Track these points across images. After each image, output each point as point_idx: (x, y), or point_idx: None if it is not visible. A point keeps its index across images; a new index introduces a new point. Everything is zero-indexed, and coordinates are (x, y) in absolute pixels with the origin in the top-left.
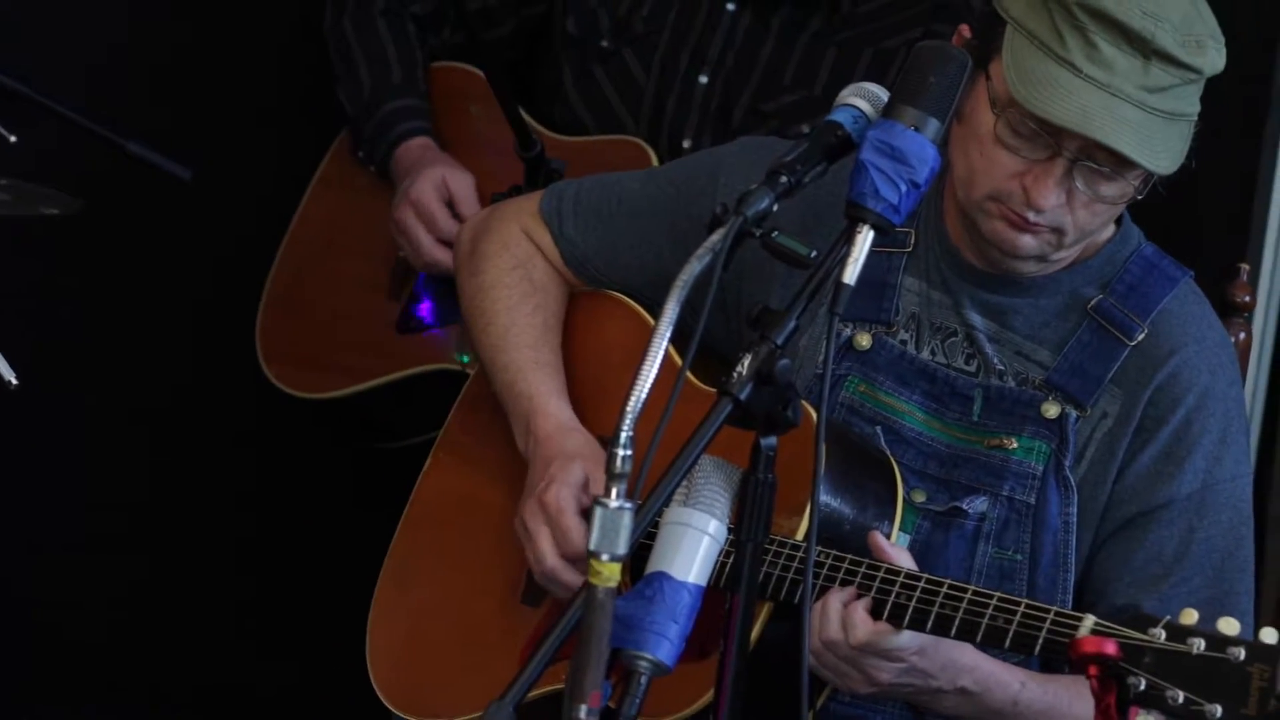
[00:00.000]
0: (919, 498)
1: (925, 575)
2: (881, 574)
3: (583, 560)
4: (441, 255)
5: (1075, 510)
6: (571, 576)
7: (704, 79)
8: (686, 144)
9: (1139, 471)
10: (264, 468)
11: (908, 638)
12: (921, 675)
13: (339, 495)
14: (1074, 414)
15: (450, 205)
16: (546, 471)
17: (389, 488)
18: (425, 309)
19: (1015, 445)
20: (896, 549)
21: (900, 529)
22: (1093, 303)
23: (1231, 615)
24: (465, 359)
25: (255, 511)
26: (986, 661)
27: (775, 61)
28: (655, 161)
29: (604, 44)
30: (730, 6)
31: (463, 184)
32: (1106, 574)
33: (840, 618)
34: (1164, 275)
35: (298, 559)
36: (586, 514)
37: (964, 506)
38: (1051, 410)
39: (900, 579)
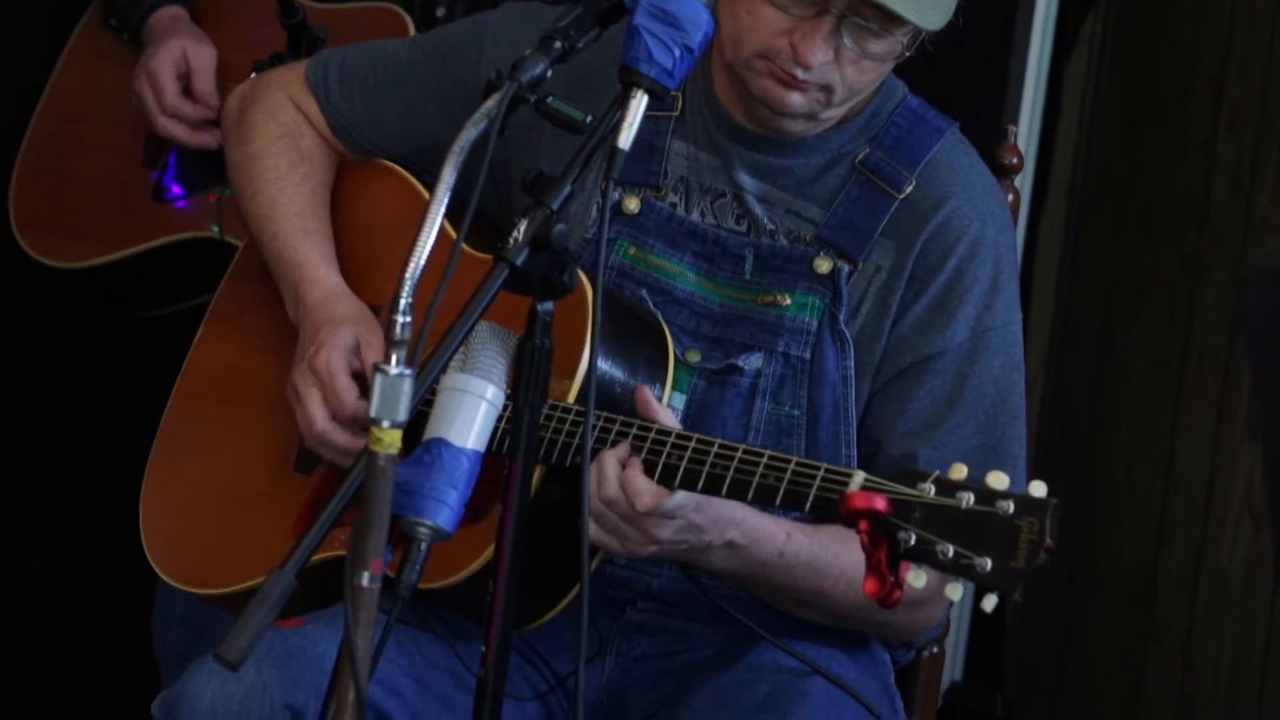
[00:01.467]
0: (693, 357)
1: (696, 435)
2: (653, 434)
3: (354, 422)
4: (174, 128)
5: (852, 364)
6: (343, 438)
7: None
8: (440, 12)
9: (912, 322)
10: (22, 338)
11: (683, 496)
12: (696, 531)
13: (104, 364)
14: (846, 268)
15: (188, 77)
16: (316, 336)
17: (152, 355)
18: (180, 176)
19: (789, 301)
20: (662, 408)
21: (676, 389)
22: (860, 157)
23: (1005, 461)
24: (217, 229)
25: (18, 383)
26: (754, 515)
27: None
28: (411, 27)
29: None
30: None
31: (202, 57)
32: (882, 424)
33: (618, 478)
34: (930, 126)
35: (64, 432)
36: (357, 376)
37: (739, 363)
38: (824, 265)
39: (671, 439)
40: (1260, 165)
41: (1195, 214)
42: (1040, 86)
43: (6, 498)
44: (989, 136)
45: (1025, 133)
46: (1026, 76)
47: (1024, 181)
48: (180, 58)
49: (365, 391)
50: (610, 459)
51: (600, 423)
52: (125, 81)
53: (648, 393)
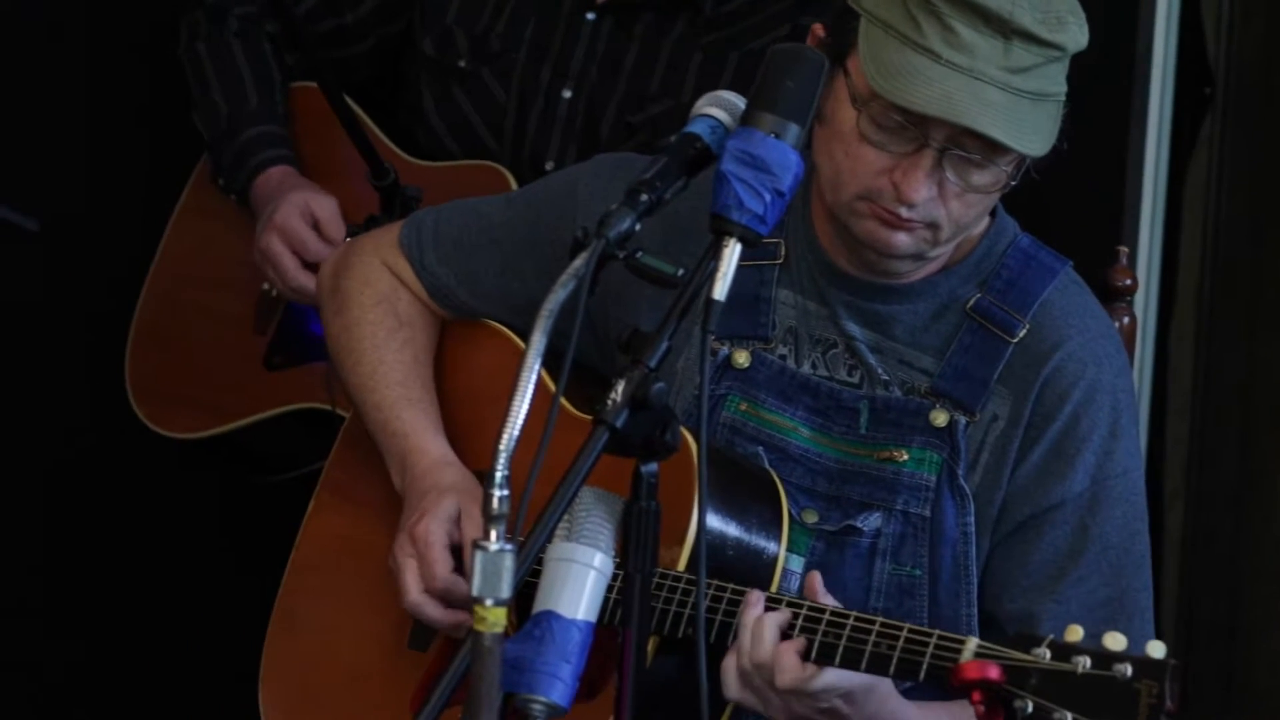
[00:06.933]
0: (810, 518)
1: (808, 602)
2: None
3: (447, 595)
4: (307, 281)
5: (973, 519)
6: (435, 611)
7: (568, 93)
8: (549, 165)
9: (1030, 471)
10: (143, 508)
11: (833, 678)
12: (835, 715)
13: (222, 532)
14: (963, 420)
15: (316, 229)
16: (420, 504)
17: (269, 521)
18: (293, 344)
19: (906, 457)
20: (823, 591)
21: (792, 551)
22: (971, 303)
23: (1132, 614)
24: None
25: (141, 554)
26: (911, 708)
27: (640, 70)
28: (514, 185)
29: (461, 64)
30: (590, 16)
31: (327, 207)
32: (1003, 578)
33: (774, 647)
34: (1042, 267)
35: (177, 595)
36: (456, 548)
37: (858, 524)
38: (940, 419)
39: (784, 605)
40: None
41: None
42: (1159, 197)
43: (127, 666)
44: (1108, 259)
45: (1146, 246)
46: (1144, 188)
47: (1147, 299)
48: (306, 209)
49: (460, 566)
50: (772, 624)
51: (712, 591)
52: (233, 244)
53: (817, 579)
